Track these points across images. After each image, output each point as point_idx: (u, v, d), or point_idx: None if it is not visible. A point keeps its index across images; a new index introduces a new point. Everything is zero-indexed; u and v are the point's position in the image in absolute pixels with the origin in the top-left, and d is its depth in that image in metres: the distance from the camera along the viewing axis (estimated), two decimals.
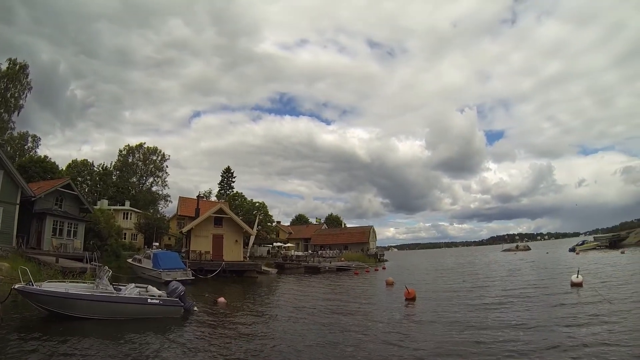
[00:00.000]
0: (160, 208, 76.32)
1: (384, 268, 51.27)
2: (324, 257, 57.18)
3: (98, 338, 11.02)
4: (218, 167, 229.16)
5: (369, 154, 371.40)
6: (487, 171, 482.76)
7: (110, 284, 14.44)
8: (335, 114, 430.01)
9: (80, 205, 37.61)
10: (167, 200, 79.73)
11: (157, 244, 36.96)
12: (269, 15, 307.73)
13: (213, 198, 72.47)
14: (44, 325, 12.45)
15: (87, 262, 24.63)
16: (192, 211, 48.83)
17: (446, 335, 11.04)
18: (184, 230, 41.94)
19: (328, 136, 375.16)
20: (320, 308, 17.62)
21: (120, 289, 14.47)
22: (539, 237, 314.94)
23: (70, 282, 15.05)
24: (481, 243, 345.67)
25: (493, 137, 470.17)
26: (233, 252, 40.15)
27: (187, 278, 28.17)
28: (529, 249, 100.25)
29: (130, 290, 14.51)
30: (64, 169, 64.09)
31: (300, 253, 62.09)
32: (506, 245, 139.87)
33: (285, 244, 65.93)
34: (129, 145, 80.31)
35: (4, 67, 51.53)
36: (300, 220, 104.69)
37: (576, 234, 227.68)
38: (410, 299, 18.62)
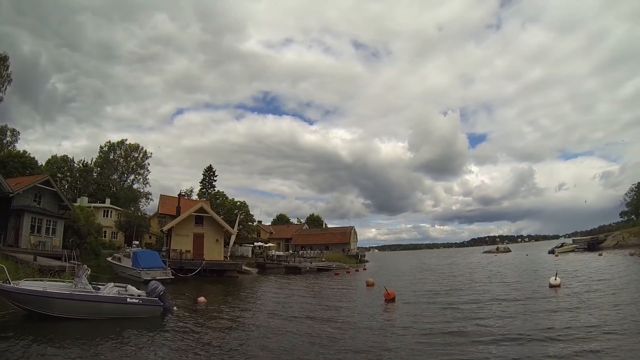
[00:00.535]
0: (141, 206, 75.89)
1: (364, 269, 51.70)
2: (304, 257, 57.36)
3: (75, 338, 11.03)
4: (200, 165, 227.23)
5: (351, 154, 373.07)
6: (469, 174, 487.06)
7: (89, 283, 14.37)
8: (318, 114, 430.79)
9: (60, 202, 37.19)
10: (148, 198, 79.30)
11: (137, 242, 36.79)
12: (255, 13, 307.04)
13: (194, 196, 72.28)
14: (20, 324, 12.42)
15: (65, 261, 24.35)
16: (173, 210, 48.55)
17: (422, 337, 11.21)
18: (165, 228, 41.75)
19: (311, 136, 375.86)
20: (300, 308, 17.81)
21: (99, 288, 14.42)
22: (519, 239, 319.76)
23: (49, 280, 14.95)
24: (462, 245, 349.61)
25: (475, 140, 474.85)
26: (214, 252, 40.07)
27: (167, 277, 28.10)
28: (509, 250, 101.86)
29: (109, 289, 14.47)
30: (44, 164, 63.34)
31: (281, 253, 62.14)
32: (487, 247, 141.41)
33: (266, 243, 65.88)
34: (110, 141, 79.71)
35: None
36: (281, 220, 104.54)
37: (556, 237, 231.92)
38: (390, 300, 18.85)
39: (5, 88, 52.98)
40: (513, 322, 12.72)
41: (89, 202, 55.44)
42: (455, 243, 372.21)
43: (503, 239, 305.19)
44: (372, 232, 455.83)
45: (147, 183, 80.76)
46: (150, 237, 57.99)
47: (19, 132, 63.19)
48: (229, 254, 44.28)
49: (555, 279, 21.54)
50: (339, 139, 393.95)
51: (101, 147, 78.70)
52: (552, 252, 69.85)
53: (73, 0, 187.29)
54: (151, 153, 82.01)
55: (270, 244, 66.65)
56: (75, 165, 71.81)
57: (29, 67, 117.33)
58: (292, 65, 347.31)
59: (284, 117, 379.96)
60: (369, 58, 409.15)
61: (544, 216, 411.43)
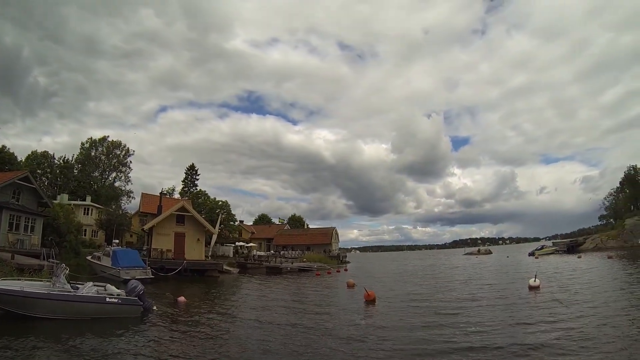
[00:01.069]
0: (122, 204, 74.92)
1: (345, 270, 51.96)
2: (286, 257, 57.46)
3: (53, 338, 11.06)
4: (183, 163, 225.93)
5: (334, 155, 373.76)
6: (451, 176, 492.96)
7: (68, 282, 14.35)
8: (302, 114, 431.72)
9: (39, 199, 36.72)
10: (129, 197, 78.30)
11: (117, 241, 36.43)
12: (241, 11, 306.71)
13: (176, 195, 71.75)
14: None
15: (44, 259, 24.12)
16: (155, 208, 48.29)
17: (402, 339, 11.41)
18: (146, 227, 41.51)
19: (294, 136, 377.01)
20: (280, 308, 17.98)
21: (77, 288, 14.39)
22: (500, 242, 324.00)
23: (26, 280, 14.88)
24: (444, 246, 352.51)
25: (459, 143, 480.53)
26: (195, 251, 39.96)
27: (147, 277, 27.99)
28: (490, 252, 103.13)
29: (88, 289, 14.45)
30: (23, 160, 62.27)
31: (262, 253, 62.13)
32: (468, 249, 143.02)
33: (248, 243, 65.80)
34: (91, 138, 78.55)
35: None
36: (263, 220, 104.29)
37: (536, 239, 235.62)
38: (370, 301, 19.06)
39: None
40: (492, 323, 13.00)
41: (69, 200, 54.60)
42: (437, 245, 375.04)
43: (485, 241, 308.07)
44: (354, 233, 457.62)
45: (129, 181, 79.92)
46: (131, 236, 57.45)
47: None
48: (210, 254, 44.14)
49: (535, 281, 22.03)
50: (322, 139, 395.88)
51: (82, 144, 77.44)
52: (532, 254, 71.15)
53: None
54: (133, 151, 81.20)
55: (251, 244, 66.60)
56: (56, 161, 70.54)
57: (11, 60, 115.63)
58: (278, 65, 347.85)
59: (267, 117, 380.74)
60: (354, 60, 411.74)
61: (525, 219, 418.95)
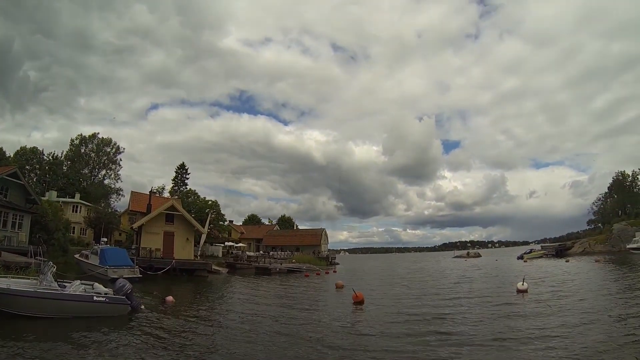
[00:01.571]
0: (111, 202, 74.52)
1: (334, 271, 52.02)
2: (275, 258, 57.40)
3: (39, 337, 11.02)
4: (173, 162, 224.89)
5: (324, 156, 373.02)
6: (442, 179, 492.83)
7: (55, 280, 14.28)
8: (294, 115, 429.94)
9: (27, 195, 36.41)
10: (119, 195, 77.80)
11: (105, 239, 36.19)
12: (235, 10, 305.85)
13: (166, 194, 71.38)
14: None
15: (31, 257, 23.95)
16: (144, 207, 47.98)
17: (389, 340, 11.52)
18: (135, 226, 41.23)
19: (285, 137, 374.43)
20: (268, 310, 17.99)
21: (65, 286, 14.34)
22: (489, 245, 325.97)
23: (13, 277, 14.79)
24: (433, 249, 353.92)
25: (449, 146, 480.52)
26: (184, 250, 39.88)
27: (135, 276, 27.87)
28: (479, 255, 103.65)
29: (76, 287, 14.41)
30: (12, 156, 61.89)
31: (252, 253, 62.01)
32: (458, 252, 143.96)
33: (237, 243, 65.68)
34: (81, 134, 78.02)
35: None
36: (252, 220, 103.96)
37: (526, 243, 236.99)
38: (358, 302, 19.15)
39: None
40: (478, 325, 13.15)
41: (57, 197, 54.14)
42: (427, 247, 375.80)
43: (474, 244, 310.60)
44: (343, 234, 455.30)
45: (119, 179, 79.45)
46: (120, 234, 57.12)
47: None
48: (199, 253, 44.01)
49: (523, 284, 22.23)
50: (313, 140, 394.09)
51: (72, 140, 76.93)
52: (521, 257, 71.65)
53: None
54: (124, 148, 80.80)
55: (241, 244, 66.46)
56: (45, 157, 70.10)
57: (1, 53, 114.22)
58: (270, 64, 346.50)
59: (259, 116, 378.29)
60: (347, 61, 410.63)
61: (515, 223, 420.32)
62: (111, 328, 12.44)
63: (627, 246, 64.38)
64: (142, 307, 16.05)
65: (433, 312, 16.29)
